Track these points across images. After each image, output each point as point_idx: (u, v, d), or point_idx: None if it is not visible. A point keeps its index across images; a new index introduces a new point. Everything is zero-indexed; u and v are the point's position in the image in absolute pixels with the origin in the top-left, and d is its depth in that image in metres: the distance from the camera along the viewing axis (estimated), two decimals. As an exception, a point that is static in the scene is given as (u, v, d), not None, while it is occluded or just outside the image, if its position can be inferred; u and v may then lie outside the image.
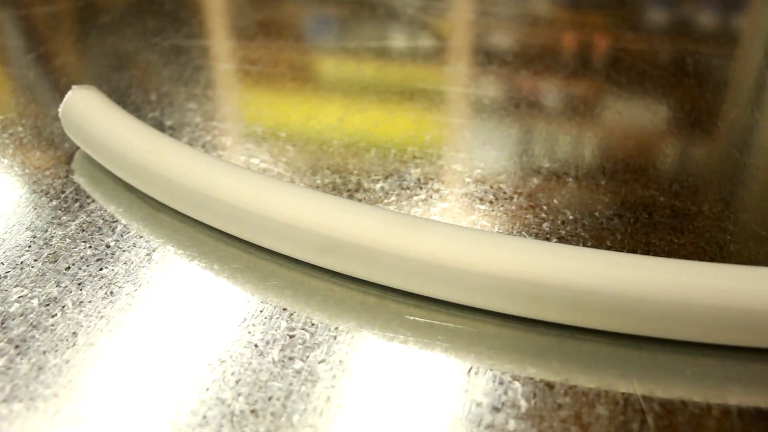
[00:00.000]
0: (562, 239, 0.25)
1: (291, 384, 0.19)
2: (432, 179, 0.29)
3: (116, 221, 0.26)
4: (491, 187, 0.29)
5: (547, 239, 0.25)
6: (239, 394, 0.19)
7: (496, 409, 0.19)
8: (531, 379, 0.20)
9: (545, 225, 0.26)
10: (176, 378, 0.19)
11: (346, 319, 0.22)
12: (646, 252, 0.25)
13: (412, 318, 0.21)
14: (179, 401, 0.19)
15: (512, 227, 0.26)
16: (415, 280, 0.21)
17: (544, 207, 0.27)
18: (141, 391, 0.19)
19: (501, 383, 0.19)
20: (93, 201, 0.27)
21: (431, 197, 0.28)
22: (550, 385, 0.19)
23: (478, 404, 0.19)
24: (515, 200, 0.28)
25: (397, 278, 0.21)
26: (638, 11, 0.52)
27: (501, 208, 0.27)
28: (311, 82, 0.39)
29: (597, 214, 0.27)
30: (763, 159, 0.32)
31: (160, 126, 0.33)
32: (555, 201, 0.28)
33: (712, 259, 0.24)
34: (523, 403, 0.19)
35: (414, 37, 0.46)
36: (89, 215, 0.26)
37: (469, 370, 0.20)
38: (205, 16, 0.49)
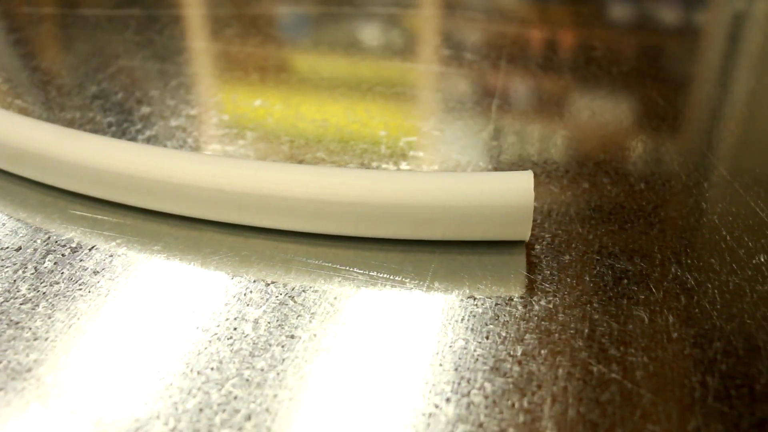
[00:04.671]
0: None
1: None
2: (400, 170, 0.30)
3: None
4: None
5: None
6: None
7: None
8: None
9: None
10: None
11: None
12: (621, 250, 0.25)
13: (77, 213, 0.28)
14: None
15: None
16: (78, 183, 0.28)
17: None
18: None
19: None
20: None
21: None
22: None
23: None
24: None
25: (63, 181, 0.28)
26: (603, 7, 0.53)
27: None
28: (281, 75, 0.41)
29: (565, 209, 0.28)
30: (727, 152, 0.32)
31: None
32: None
33: (678, 259, 0.25)
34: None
35: (384, 31, 0.47)
36: None
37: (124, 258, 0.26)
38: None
